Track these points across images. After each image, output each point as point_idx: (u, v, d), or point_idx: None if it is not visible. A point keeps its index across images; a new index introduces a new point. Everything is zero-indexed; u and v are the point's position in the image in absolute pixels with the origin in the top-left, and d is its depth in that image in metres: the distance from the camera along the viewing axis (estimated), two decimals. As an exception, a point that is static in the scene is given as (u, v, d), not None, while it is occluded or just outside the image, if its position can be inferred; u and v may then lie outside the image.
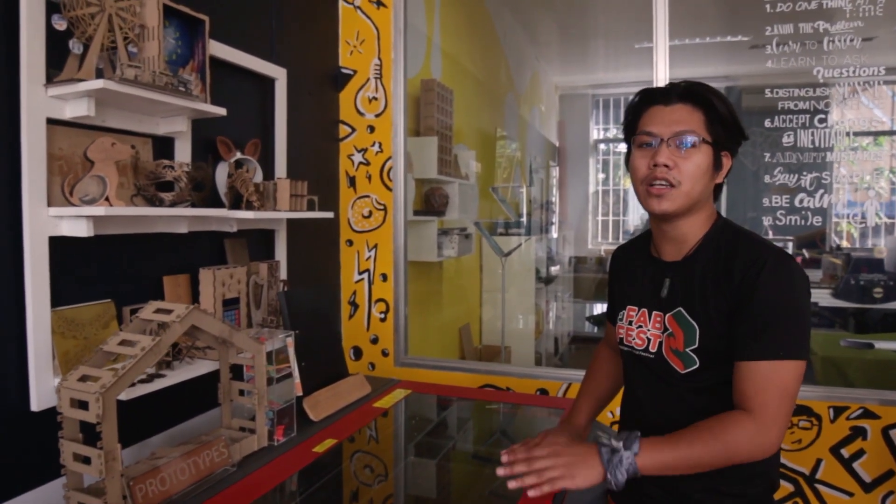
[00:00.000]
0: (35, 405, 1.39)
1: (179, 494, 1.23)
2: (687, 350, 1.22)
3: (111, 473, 1.11)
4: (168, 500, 1.20)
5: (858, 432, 2.16)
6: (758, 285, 1.14)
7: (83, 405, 1.13)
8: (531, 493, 1.12)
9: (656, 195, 1.20)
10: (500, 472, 1.17)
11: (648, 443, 1.13)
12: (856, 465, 2.18)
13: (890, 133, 6.32)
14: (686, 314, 1.22)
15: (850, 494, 2.18)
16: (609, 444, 1.14)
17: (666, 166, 1.18)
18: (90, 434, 1.17)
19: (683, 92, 1.21)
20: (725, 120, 1.20)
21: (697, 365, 1.21)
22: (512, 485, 1.14)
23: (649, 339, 1.29)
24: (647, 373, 1.30)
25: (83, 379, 1.15)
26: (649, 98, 1.25)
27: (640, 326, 1.32)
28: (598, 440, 1.18)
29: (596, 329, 5.64)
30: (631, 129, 1.28)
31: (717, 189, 1.28)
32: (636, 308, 1.33)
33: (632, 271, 1.39)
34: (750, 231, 1.26)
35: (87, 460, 1.14)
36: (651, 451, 1.12)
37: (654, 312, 1.29)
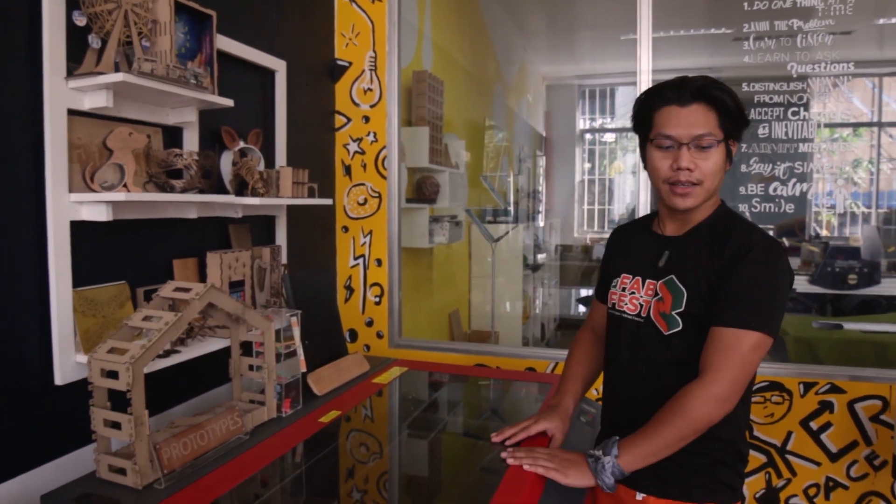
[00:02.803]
0: (59, 379, 1.48)
1: (199, 458, 1.33)
2: (673, 313, 1.32)
3: (140, 437, 1.22)
4: (189, 463, 1.30)
5: (826, 406, 2.31)
6: (744, 263, 1.25)
7: (112, 375, 1.23)
8: (526, 467, 1.30)
9: (681, 194, 1.31)
10: (504, 455, 1.34)
11: (625, 443, 1.27)
12: (823, 436, 2.33)
13: (868, 125, 6.50)
14: (677, 280, 1.33)
15: (818, 464, 2.33)
16: (594, 454, 1.29)
17: (689, 169, 1.29)
18: (116, 403, 1.28)
19: (697, 91, 1.28)
20: (734, 114, 1.30)
21: (680, 327, 1.31)
22: (510, 461, 1.32)
23: (641, 305, 1.39)
24: (634, 337, 1.40)
25: (112, 351, 1.24)
26: (664, 97, 1.32)
27: (633, 293, 1.42)
28: (585, 453, 1.33)
29: (582, 311, 5.78)
30: (646, 125, 1.36)
31: None
32: (630, 276, 1.44)
33: (630, 247, 1.50)
34: (745, 219, 1.39)
35: (116, 426, 1.24)
36: (629, 449, 1.26)
37: (647, 280, 1.39)
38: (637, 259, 1.45)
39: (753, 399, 1.88)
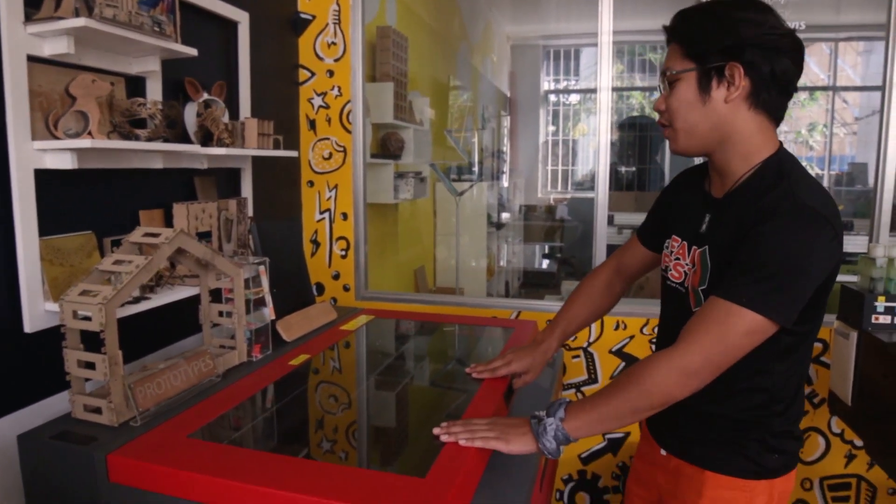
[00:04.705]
0: (28, 327, 1.50)
1: (173, 398, 1.37)
2: (699, 289, 1.21)
3: (115, 376, 1.25)
4: (163, 403, 1.34)
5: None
6: (761, 231, 1.06)
7: (85, 319, 1.26)
8: (462, 443, 1.15)
9: (668, 138, 1.22)
10: (436, 431, 1.20)
11: (573, 406, 1.15)
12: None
13: (823, 88, 6.66)
14: (708, 254, 1.20)
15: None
16: (537, 415, 1.16)
17: (660, 111, 1.21)
18: (90, 348, 1.31)
19: (669, 31, 1.20)
20: (707, 33, 1.13)
21: None
22: (445, 438, 1.17)
23: (686, 274, 1.27)
24: (679, 306, 1.29)
25: (83, 294, 1.27)
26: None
27: (678, 259, 1.30)
28: (530, 415, 1.19)
29: (546, 264, 5.90)
30: None
31: (777, 114, 1.16)
32: (679, 240, 1.31)
33: (684, 201, 1.35)
34: (800, 175, 1.12)
35: (90, 366, 1.27)
36: (576, 414, 1.13)
37: (692, 247, 1.26)
38: (687, 220, 1.30)
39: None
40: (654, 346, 1.47)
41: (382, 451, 1.37)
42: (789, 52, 1.10)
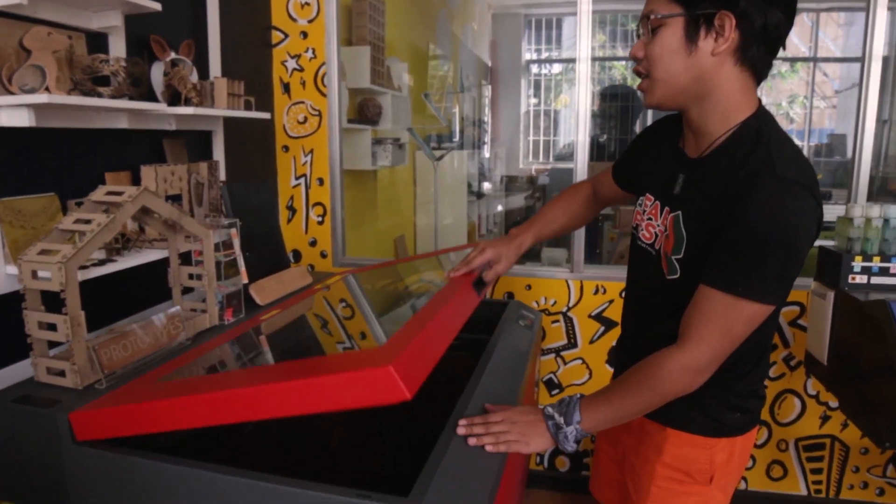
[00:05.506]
0: (-12, 290, 1.45)
1: (140, 361, 1.34)
2: (672, 258, 1.16)
3: (77, 338, 1.21)
4: (130, 365, 1.31)
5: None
6: (746, 207, 1.00)
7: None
8: (489, 449, 1.15)
9: (642, 90, 1.14)
10: (461, 430, 1.16)
11: (587, 406, 1.15)
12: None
13: (805, 59, 6.64)
14: (681, 220, 1.14)
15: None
16: (553, 417, 1.17)
17: (636, 59, 1.13)
18: (54, 310, 1.26)
19: None
20: None
21: (678, 275, 1.16)
22: (472, 441, 1.15)
23: (656, 235, 1.23)
24: (648, 268, 1.25)
25: (42, 253, 1.22)
26: None
27: (650, 219, 1.25)
28: (544, 411, 1.20)
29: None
30: None
31: (762, 72, 1.10)
32: (652, 198, 1.26)
33: (658, 153, 1.29)
34: (780, 139, 1.07)
35: (52, 328, 1.23)
36: (591, 414, 1.14)
37: (665, 208, 1.20)
38: (660, 178, 1.24)
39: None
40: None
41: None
42: (783, 4, 1.04)
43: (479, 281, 1.50)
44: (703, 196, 1.11)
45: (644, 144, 1.37)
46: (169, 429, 1.04)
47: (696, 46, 1.06)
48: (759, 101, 1.13)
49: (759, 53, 1.07)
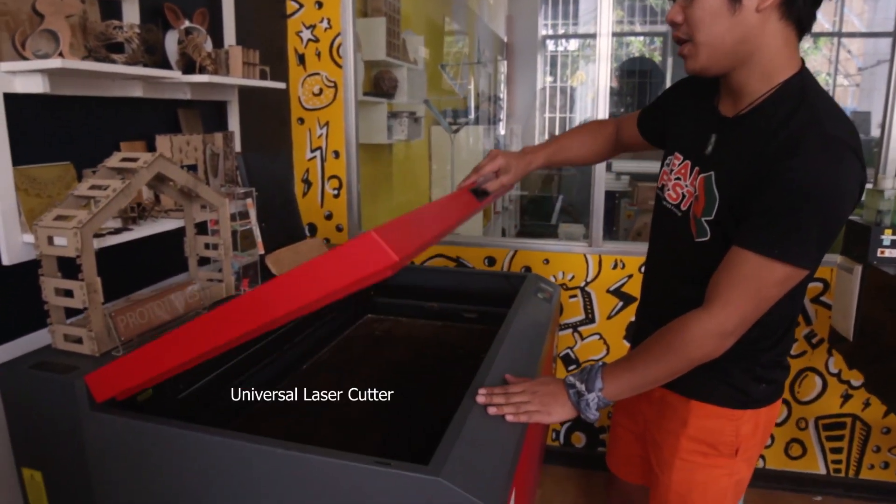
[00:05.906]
0: (6, 259, 1.44)
1: (156, 329, 1.33)
2: (702, 219, 1.12)
3: (94, 304, 1.20)
4: (147, 333, 1.30)
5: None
6: (787, 167, 0.96)
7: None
8: (509, 419, 1.11)
9: (684, 56, 1.08)
10: (480, 399, 1.14)
11: (610, 373, 1.12)
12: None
13: (829, 34, 6.49)
14: (714, 181, 1.10)
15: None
16: (575, 385, 1.14)
17: (674, 24, 1.08)
18: (68, 276, 1.25)
19: None
20: None
21: (708, 237, 1.12)
22: (492, 410, 1.12)
23: (683, 196, 1.19)
24: (674, 230, 1.21)
25: (58, 219, 1.21)
26: None
27: (678, 179, 1.20)
28: (565, 380, 1.17)
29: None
30: None
31: (806, 26, 1.05)
32: (681, 157, 1.21)
33: (689, 111, 1.24)
34: (825, 99, 1.03)
35: (69, 294, 1.22)
36: (614, 381, 1.11)
37: (695, 168, 1.16)
38: (691, 137, 1.20)
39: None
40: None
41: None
42: None
43: (483, 191, 1.43)
44: (739, 157, 1.07)
45: (675, 99, 1.32)
46: (180, 361, 1.01)
47: (740, 4, 1.00)
48: (802, 60, 1.08)
49: (805, 4, 1.02)
